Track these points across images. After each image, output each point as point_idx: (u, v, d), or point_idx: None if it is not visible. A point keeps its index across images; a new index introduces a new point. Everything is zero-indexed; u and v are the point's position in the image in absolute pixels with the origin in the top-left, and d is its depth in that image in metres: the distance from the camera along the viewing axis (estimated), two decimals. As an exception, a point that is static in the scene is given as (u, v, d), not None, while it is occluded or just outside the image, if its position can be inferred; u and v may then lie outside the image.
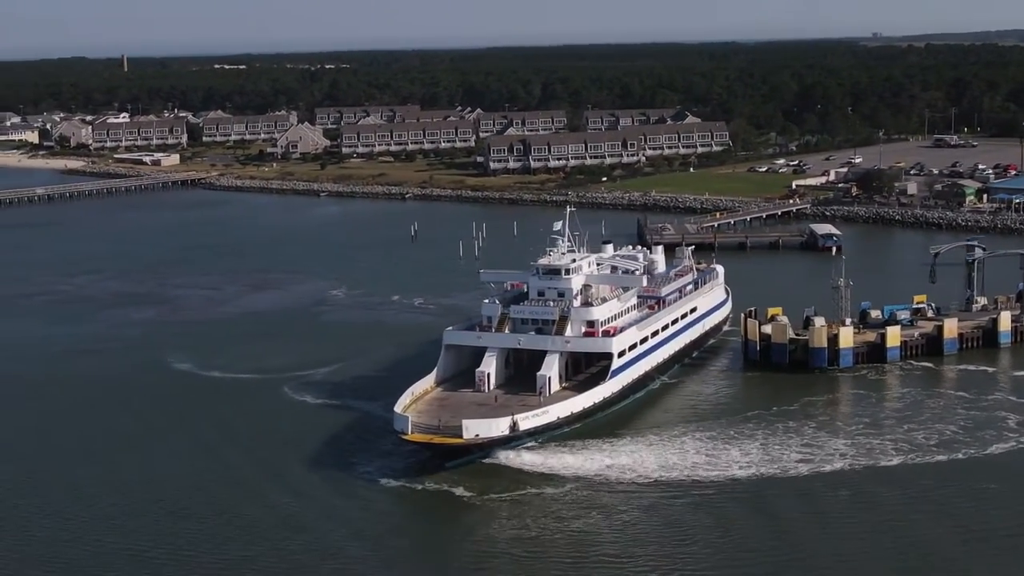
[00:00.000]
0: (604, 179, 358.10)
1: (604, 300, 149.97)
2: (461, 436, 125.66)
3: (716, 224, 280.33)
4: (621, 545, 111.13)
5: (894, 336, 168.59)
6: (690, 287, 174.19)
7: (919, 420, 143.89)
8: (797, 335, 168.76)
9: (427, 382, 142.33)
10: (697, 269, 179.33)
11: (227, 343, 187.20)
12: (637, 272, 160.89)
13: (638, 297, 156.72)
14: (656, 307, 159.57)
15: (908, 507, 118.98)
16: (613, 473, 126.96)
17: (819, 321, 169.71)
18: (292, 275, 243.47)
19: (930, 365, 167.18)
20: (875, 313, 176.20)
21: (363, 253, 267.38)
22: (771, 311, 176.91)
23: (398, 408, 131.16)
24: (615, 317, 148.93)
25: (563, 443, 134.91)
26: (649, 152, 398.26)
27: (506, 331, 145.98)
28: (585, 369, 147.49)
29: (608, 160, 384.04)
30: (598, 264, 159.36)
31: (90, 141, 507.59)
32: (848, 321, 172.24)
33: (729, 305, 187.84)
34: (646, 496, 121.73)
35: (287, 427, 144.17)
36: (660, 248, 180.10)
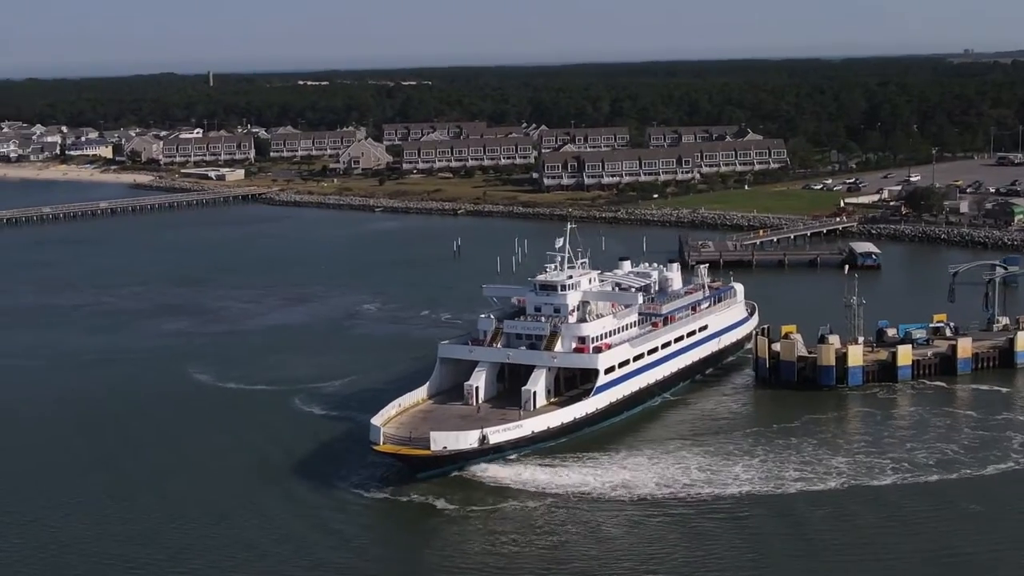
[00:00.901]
0: (656, 196, 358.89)
1: (600, 316, 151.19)
2: (428, 448, 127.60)
3: (757, 242, 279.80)
4: (596, 561, 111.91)
5: (905, 355, 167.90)
6: (705, 304, 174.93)
7: (922, 439, 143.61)
8: (809, 353, 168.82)
9: (419, 394, 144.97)
10: (711, 287, 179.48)
11: (251, 355, 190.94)
12: (633, 289, 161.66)
13: (640, 314, 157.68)
14: (660, 324, 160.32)
15: (883, 527, 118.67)
16: (596, 489, 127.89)
17: (834, 339, 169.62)
18: (330, 289, 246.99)
19: (942, 384, 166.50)
20: (892, 332, 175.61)
21: (404, 268, 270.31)
22: (785, 328, 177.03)
23: (377, 420, 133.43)
24: (609, 334, 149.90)
25: (553, 457, 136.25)
26: (706, 169, 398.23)
27: (498, 345, 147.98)
28: (580, 385, 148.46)
29: (663, 177, 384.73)
30: (600, 281, 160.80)
31: (160, 156, 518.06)
32: (860, 339, 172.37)
33: (754, 322, 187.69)
34: (627, 512, 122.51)
35: (284, 437, 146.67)
36: (676, 266, 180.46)
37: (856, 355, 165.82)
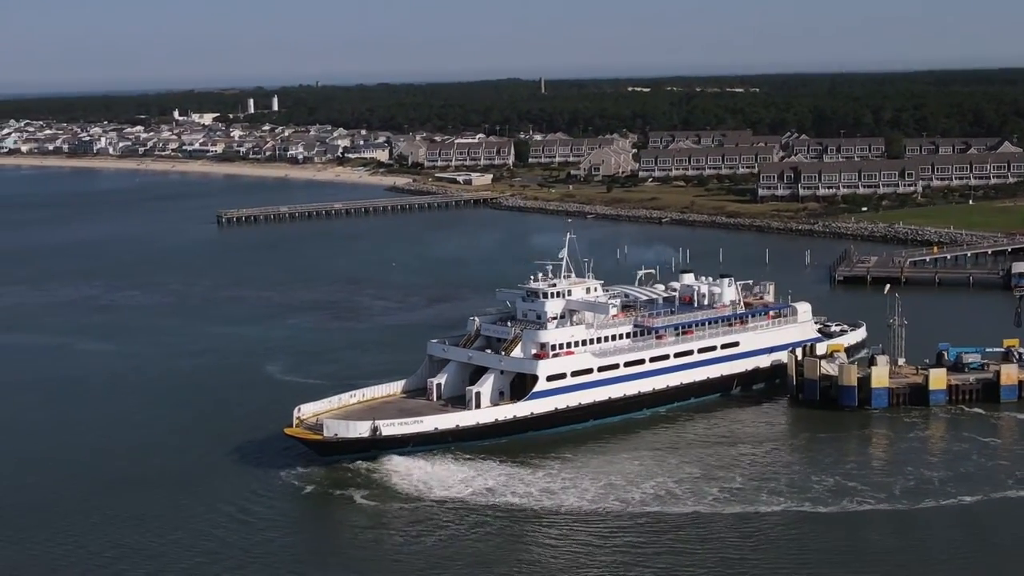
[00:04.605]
0: (864, 209, 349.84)
1: (578, 323, 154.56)
2: (322, 434, 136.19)
3: (928, 258, 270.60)
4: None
5: (938, 379, 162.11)
6: (751, 321, 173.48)
7: (918, 465, 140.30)
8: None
9: (395, 387, 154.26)
10: (748, 304, 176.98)
11: (338, 351, 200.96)
12: (611, 301, 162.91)
13: (635, 326, 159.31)
14: (665, 336, 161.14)
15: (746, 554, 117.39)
16: (508, 493, 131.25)
17: (882, 361, 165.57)
18: (471, 291, 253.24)
19: (979, 411, 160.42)
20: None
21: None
22: (831, 347, 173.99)
23: (308, 406, 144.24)
24: (579, 343, 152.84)
25: (483, 456, 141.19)
26: (936, 183, 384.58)
27: (471, 347, 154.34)
28: None
29: (882, 189, 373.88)
30: (603, 290, 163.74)
31: (423, 159, 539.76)
32: (901, 360, 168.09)
33: (842, 341, 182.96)
34: (513, 519, 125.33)
35: (267, 424, 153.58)
36: (727, 281, 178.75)
37: (880, 377, 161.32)
